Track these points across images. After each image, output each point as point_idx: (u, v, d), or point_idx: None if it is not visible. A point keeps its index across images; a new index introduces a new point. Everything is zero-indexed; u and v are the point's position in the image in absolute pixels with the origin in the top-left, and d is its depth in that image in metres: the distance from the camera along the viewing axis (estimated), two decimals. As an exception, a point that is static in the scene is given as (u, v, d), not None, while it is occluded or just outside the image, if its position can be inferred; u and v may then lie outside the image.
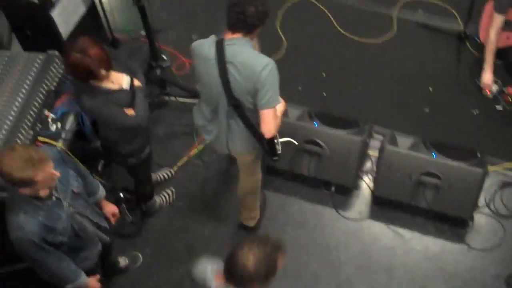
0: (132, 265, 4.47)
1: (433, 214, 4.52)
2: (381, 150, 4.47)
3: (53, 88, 3.94)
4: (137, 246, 4.52)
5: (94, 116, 3.85)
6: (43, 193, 3.07)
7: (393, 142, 4.54)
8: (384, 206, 4.62)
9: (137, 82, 3.75)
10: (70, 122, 3.90)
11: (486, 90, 4.99)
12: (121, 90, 3.66)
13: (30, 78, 3.90)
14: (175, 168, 4.86)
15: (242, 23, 3.45)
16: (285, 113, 4.36)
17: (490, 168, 4.58)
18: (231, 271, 2.79)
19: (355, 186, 4.70)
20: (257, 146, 3.81)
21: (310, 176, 4.62)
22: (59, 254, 3.24)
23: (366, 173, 4.79)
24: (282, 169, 4.65)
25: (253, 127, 3.70)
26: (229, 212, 4.65)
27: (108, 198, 3.77)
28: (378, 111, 5.15)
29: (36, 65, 3.97)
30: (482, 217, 4.57)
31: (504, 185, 4.71)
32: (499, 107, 5.06)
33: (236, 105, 3.62)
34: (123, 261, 4.43)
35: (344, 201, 4.69)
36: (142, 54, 5.26)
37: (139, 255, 4.49)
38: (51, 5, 4.40)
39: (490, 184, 4.64)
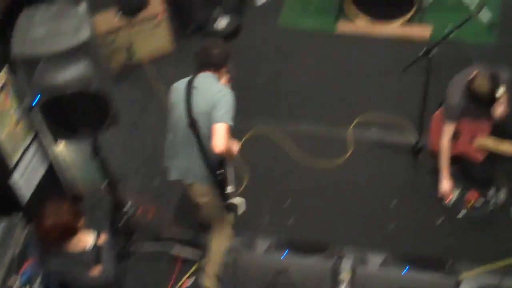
0: None
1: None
2: (353, 273, 4.45)
3: (17, 252, 3.93)
4: None
5: (59, 280, 3.83)
6: None
7: (364, 261, 4.53)
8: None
9: (102, 237, 3.77)
10: (37, 285, 3.87)
11: (446, 198, 5.08)
12: (85, 252, 3.67)
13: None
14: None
15: (209, 63, 4.21)
16: (252, 244, 4.40)
17: (463, 275, 4.58)
18: None
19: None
20: (210, 177, 4.24)
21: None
22: None
23: (342, 297, 4.74)
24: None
25: (206, 153, 4.16)
26: None
27: None
28: (346, 231, 5.18)
29: (-2, 231, 3.98)
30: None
31: (479, 290, 4.69)
32: (460, 214, 5.14)
33: (193, 124, 4.16)
34: None
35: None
36: (105, 205, 5.28)
37: None
38: (9, 173, 4.47)
39: (465, 290, 4.63)
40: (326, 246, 4.64)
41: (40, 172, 4.83)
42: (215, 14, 6.65)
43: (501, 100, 4.74)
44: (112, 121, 5.99)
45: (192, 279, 5.03)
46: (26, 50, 4.08)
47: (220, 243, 4.74)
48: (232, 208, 4.39)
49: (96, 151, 4.61)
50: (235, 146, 4.28)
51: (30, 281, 3.85)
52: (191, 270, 5.05)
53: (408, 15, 6.52)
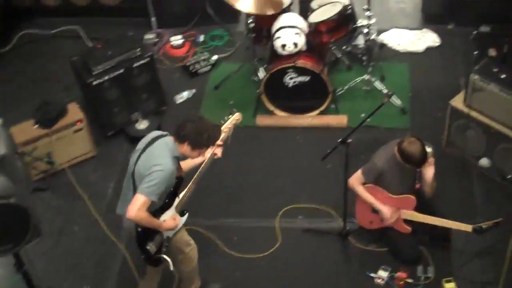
0: None
1: None
2: None
3: None
4: None
5: None
6: None
7: None
8: None
9: None
10: None
11: (393, 218, 5.18)
12: None
13: None
14: None
15: (176, 131, 4.39)
16: None
17: None
18: None
19: None
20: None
21: None
22: None
23: None
24: None
25: None
26: None
27: None
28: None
29: None
30: None
31: None
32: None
33: (133, 175, 4.45)
34: None
35: None
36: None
37: None
38: None
39: None
40: None
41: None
42: (135, 117, 6.71)
43: (429, 161, 4.94)
44: (34, 233, 5.87)
45: None
46: None
47: None
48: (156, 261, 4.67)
49: (19, 264, 4.48)
50: (171, 222, 4.58)
51: None
52: None
53: (323, 106, 6.74)
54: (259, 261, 5.63)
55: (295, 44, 6.41)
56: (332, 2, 6.88)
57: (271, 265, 5.60)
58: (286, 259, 5.64)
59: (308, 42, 6.53)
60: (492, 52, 6.64)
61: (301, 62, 6.44)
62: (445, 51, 7.43)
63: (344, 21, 6.77)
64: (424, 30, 7.62)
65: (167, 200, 4.62)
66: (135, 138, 6.64)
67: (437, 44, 7.49)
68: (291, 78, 6.56)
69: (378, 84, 6.84)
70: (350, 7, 6.79)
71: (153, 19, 8.02)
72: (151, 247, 4.57)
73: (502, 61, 6.00)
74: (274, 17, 6.64)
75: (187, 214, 4.84)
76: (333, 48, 6.95)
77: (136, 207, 4.28)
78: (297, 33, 6.41)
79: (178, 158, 4.53)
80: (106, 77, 6.43)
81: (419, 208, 5.21)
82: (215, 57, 7.58)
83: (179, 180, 4.62)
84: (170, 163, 4.37)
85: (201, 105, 7.10)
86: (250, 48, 7.04)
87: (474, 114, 5.81)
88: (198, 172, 4.71)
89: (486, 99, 5.69)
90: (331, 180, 6.02)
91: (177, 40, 7.81)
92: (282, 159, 6.48)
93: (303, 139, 6.63)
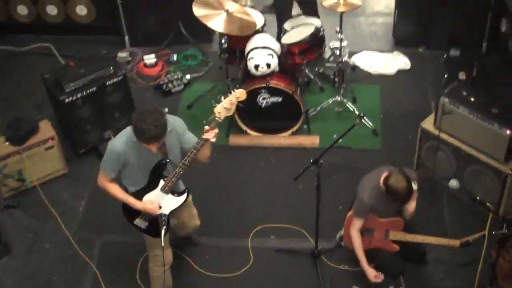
0: None
1: None
2: None
3: None
4: None
5: None
6: None
7: None
8: None
9: None
10: None
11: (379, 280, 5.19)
12: None
13: None
14: None
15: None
16: None
17: None
18: None
19: None
20: None
21: None
22: None
23: None
24: None
25: None
26: None
27: None
28: None
29: None
30: None
31: None
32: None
33: None
34: None
35: None
36: None
37: None
38: None
39: None
40: None
41: None
42: (107, 135, 6.69)
43: (413, 196, 4.99)
44: (4, 250, 5.83)
45: None
46: None
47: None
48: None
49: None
50: (147, 204, 4.78)
51: None
52: None
53: (296, 127, 6.79)
54: (231, 280, 5.63)
55: (268, 65, 6.47)
56: (304, 24, 6.97)
57: (243, 285, 5.59)
58: (258, 279, 5.64)
59: (281, 63, 6.59)
60: (461, 76, 6.76)
61: (274, 83, 6.49)
62: (416, 74, 7.54)
63: (317, 43, 6.87)
64: (395, 53, 7.74)
65: (149, 181, 4.81)
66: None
67: (408, 67, 7.61)
68: (264, 99, 6.61)
69: (350, 106, 6.92)
70: (322, 29, 6.88)
71: (126, 37, 8.03)
72: (138, 222, 4.94)
73: (471, 84, 6.10)
74: (247, 38, 6.70)
75: (185, 195, 4.96)
76: (305, 69, 7.03)
77: (98, 176, 4.85)
78: (270, 54, 6.47)
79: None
80: (79, 95, 6.41)
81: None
82: (188, 77, 7.60)
83: (160, 163, 4.77)
84: (118, 144, 4.68)
85: (173, 124, 7.08)
86: (223, 68, 7.08)
87: (444, 136, 5.90)
88: (186, 156, 4.72)
89: (455, 122, 5.78)
90: (304, 200, 6.05)
91: (150, 59, 7.82)
92: (254, 179, 6.50)
93: (275, 159, 6.67)
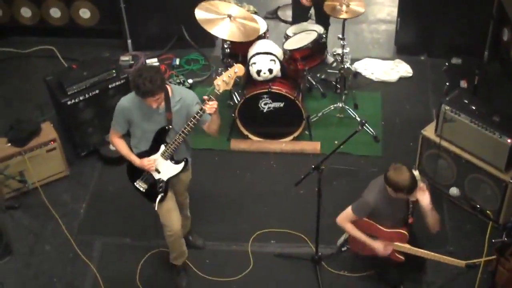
0: None
1: None
2: None
3: None
4: None
5: None
6: None
7: None
8: None
9: None
10: None
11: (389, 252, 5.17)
12: None
13: None
14: None
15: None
16: None
17: None
18: None
19: None
20: None
21: None
22: None
23: None
24: None
25: None
26: None
27: None
28: None
29: None
30: None
31: None
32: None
33: None
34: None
35: None
36: None
37: None
38: None
39: None
40: None
41: None
42: (108, 138, 6.69)
43: (421, 186, 4.95)
44: (5, 252, 5.83)
45: None
46: None
47: None
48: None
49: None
50: (145, 161, 5.01)
51: None
52: None
53: (297, 132, 6.81)
54: (231, 284, 5.63)
55: (270, 71, 6.49)
56: (307, 31, 7.00)
57: (243, 288, 5.61)
58: (258, 283, 5.64)
59: (283, 69, 6.61)
60: (463, 84, 6.79)
61: (275, 88, 6.51)
62: (417, 81, 7.57)
63: (319, 49, 6.89)
64: (397, 60, 7.76)
65: (152, 145, 5.02)
66: (109, 159, 6.66)
67: (410, 74, 7.63)
68: (265, 104, 6.63)
69: (351, 112, 6.94)
70: (325, 36, 6.90)
71: (129, 41, 8.05)
72: (139, 184, 5.16)
73: (473, 92, 6.13)
74: (250, 43, 6.72)
75: (183, 163, 5.10)
76: (307, 75, 7.06)
77: (110, 132, 5.19)
78: (272, 60, 6.49)
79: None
80: (81, 98, 6.43)
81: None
82: (190, 81, 7.62)
83: (163, 129, 4.94)
84: (124, 100, 4.97)
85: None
86: (225, 73, 7.08)
87: (445, 144, 5.92)
88: (186, 125, 4.84)
89: (456, 130, 5.80)
90: (304, 205, 6.07)
91: (152, 63, 7.84)
92: (255, 184, 6.51)
93: (277, 164, 6.68)
